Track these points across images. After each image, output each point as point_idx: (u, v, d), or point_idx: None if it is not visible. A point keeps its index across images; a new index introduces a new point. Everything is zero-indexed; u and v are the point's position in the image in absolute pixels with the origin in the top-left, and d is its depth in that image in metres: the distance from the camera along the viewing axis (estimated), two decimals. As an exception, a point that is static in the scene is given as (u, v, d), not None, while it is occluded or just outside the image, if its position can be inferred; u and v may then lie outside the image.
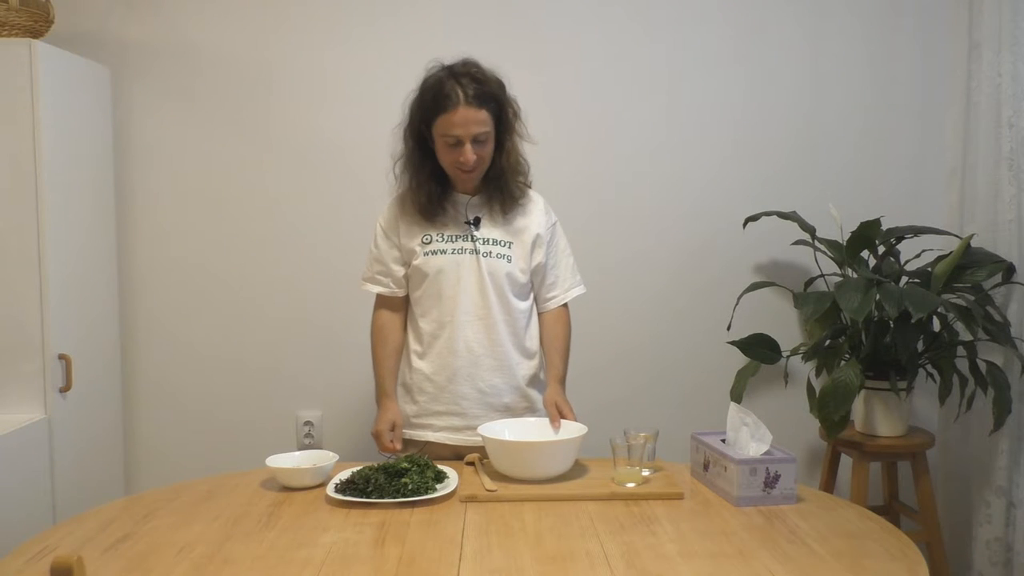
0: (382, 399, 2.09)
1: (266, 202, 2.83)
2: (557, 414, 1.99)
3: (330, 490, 1.73)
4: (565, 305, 2.17)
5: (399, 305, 2.13)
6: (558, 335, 2.13)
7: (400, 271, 2.09)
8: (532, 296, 2.14)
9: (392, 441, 2.04)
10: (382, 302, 2.13)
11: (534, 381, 2.13)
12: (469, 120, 1.93)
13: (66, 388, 2.42)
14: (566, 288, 2.16)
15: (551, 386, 2.08)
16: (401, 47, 2.77)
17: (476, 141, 1.95)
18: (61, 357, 2.40)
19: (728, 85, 2.84)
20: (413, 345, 2.10)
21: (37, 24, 2.43)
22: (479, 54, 2.03)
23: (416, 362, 2.09)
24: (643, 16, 2.82)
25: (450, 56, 2.01)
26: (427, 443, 2.08)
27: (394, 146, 2.07)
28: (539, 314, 2.15)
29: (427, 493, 1.71)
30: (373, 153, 2.74)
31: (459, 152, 1.95)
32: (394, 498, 1.69)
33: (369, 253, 2.13)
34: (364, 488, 1.72)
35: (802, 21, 2.83)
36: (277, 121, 2.82)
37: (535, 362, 2.13)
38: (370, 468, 1.79)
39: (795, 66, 2.84)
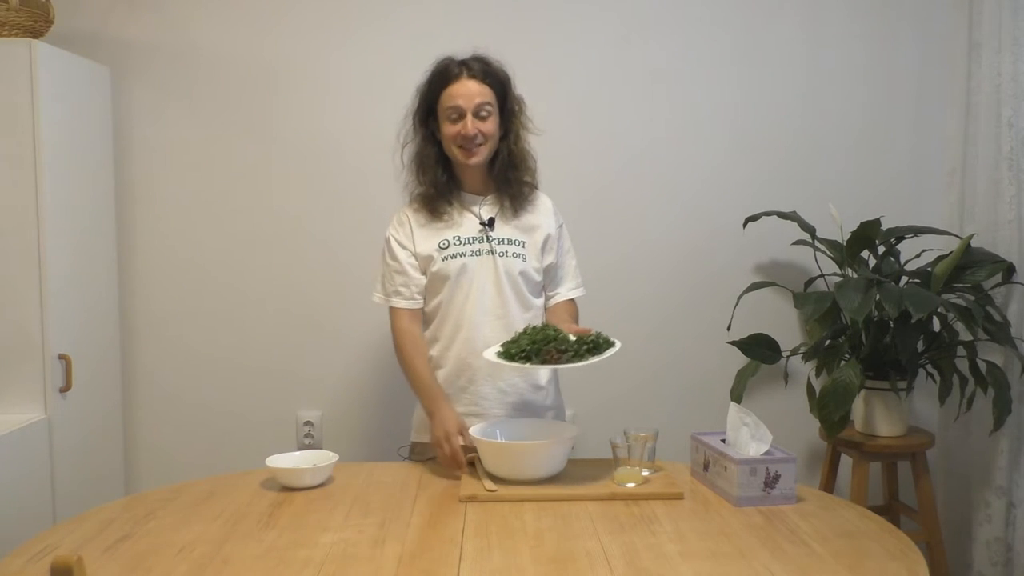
0: (435, 403, 1.95)
1: (266, 202, 2.83)
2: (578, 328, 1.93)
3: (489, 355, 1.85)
4: (573, 301, 2.17)
5: (419, 319, 2.10)
6: (571, 313, 2.12)
7: (422, 279, 2.06)
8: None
9: (456, 449, 1.88)
10: (403, 317, 2.06)
11: (551, 381, 2.13)
12: (472, 92, 1.97)
13: (66, 388, 2.42)
14: (570, 287, 2.16)
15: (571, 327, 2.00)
16: (401, 45, 2.77)
17: (478, 116, 1.97)
18: (61, 357, 2.40)
19: (728, 84, 2.84)
20: (432, 348, 2.09)
21: (37, 24, 2.43)
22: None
23: (436, 364, 2.08)
24: (643, 15, 2.82)
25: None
26: None
27: (402, 133, 2.08)
28: (545, 308, 2.15)
29: (601, 352, 1.79)
30: (374, 152, 2.74)
31: (461, 125, 1.97)
32: (572, 362, 1.76)
33: (386, 268, 2.08)
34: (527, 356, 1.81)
35: (802, 20, 2.83)
36: (277, 120, 2.81)
37: None
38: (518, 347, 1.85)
39: (795, 66, 2.84)
